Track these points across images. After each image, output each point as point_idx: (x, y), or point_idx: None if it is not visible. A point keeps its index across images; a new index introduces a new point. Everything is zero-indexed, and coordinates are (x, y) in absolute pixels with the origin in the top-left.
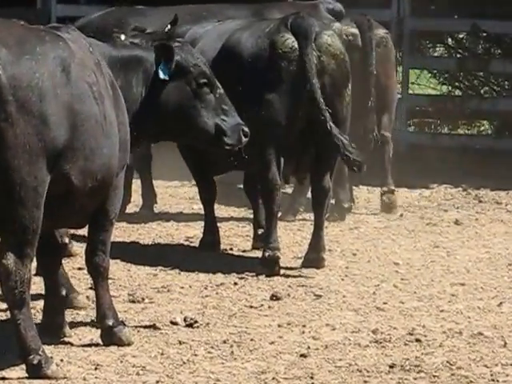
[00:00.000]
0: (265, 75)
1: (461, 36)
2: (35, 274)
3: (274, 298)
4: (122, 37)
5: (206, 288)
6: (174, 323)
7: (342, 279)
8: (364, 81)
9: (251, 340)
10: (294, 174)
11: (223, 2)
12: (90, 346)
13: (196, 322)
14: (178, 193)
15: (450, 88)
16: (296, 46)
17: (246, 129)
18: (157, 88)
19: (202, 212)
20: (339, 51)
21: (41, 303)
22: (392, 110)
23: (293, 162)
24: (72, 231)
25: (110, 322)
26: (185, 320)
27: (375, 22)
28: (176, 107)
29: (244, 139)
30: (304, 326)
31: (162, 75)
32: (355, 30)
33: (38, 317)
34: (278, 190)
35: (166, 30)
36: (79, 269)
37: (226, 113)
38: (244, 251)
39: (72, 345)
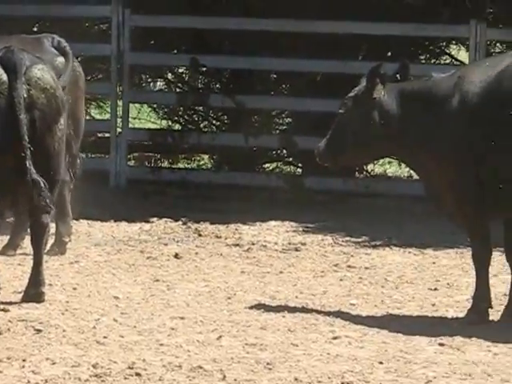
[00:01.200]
0: None
1: (180, 71)
2: None
3: None
4: None
5: None
6: None
7: (63, 313)
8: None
9: None
10: (10, 209)
11: None
12: None
13: None
14: None
15: (169, 122)
16: (5, 79)
17: None
18: None
19: None
20: (49, 85)
21: None
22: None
23: (8, 196)
24: None
25: None
26: None
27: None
28: None
29: None
30: (24, 360)
31: None
32: None
33: None
34: None
35: None
36: None
37: None
38: None
39: None
